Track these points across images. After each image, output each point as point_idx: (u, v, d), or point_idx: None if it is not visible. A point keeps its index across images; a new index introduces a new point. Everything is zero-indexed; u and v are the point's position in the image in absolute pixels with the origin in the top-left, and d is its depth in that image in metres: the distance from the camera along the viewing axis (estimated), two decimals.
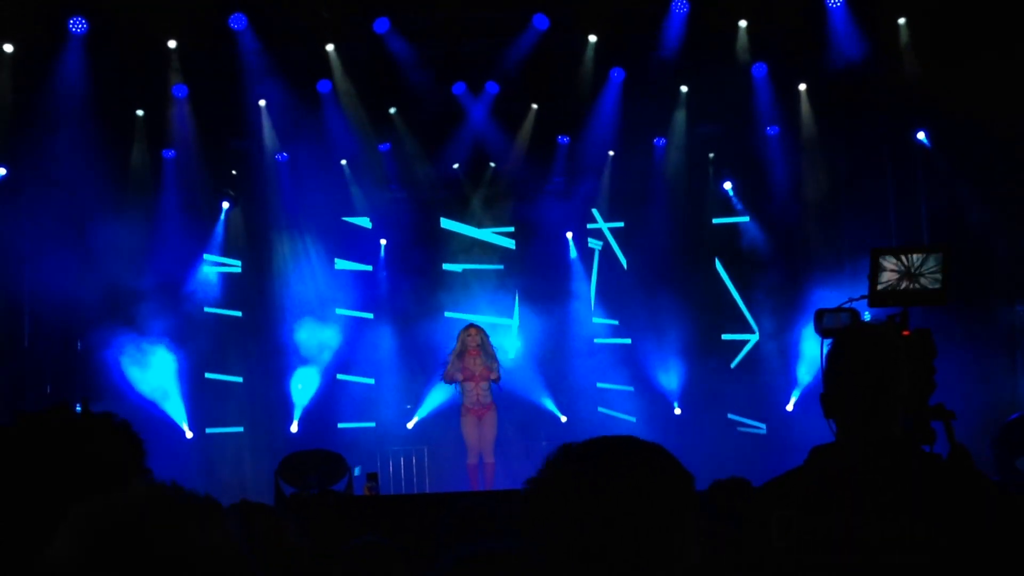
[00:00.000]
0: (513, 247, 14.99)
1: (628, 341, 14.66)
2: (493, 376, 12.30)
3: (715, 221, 14.70)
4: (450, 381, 12.48)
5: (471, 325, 12.57)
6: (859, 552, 2.82)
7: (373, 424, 14.30)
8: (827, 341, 4.11)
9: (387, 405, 14.37)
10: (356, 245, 14.70)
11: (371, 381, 14.53)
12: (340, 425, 14.20)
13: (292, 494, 7.88)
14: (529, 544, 1.75)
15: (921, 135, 12.99)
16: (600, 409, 14.54)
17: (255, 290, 14.36)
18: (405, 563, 3.50)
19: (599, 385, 14.60)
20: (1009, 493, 2.88)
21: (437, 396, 14.02)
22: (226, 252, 14.34)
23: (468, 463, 12.37)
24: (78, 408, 2.03)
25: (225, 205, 14.02)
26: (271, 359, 14.10)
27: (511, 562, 1.68)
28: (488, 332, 12.63)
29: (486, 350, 12.36)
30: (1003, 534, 2.78)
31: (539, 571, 1.71)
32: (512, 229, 15.03)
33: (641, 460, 1.76)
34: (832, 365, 3.05)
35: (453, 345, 12.54)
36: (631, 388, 14.53)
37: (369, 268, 14.76)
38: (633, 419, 14.33)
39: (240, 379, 14.07)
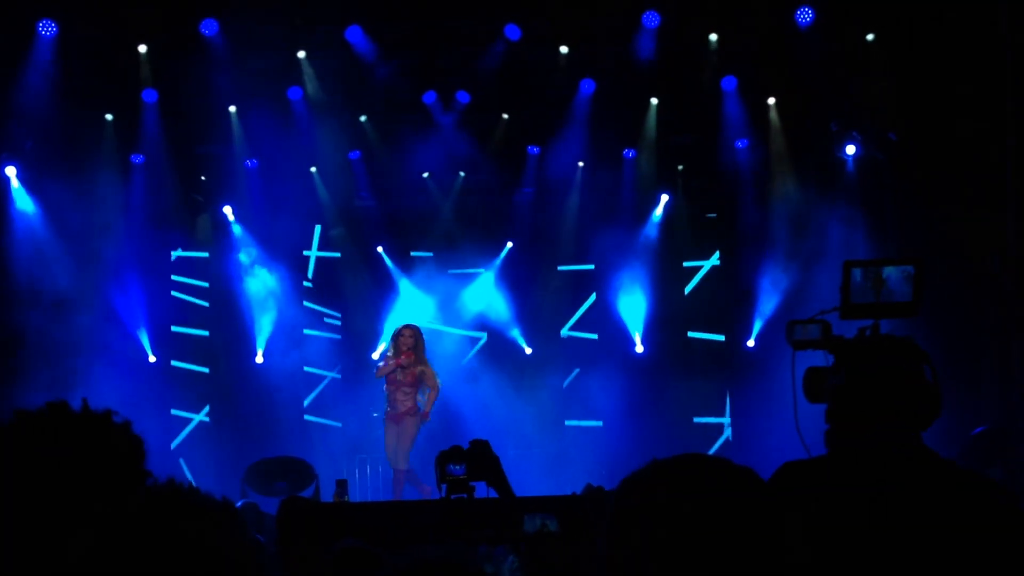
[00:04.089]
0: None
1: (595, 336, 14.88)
2: (428, 380, 12.08)
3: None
4: (382, 374, 12.25)
5: (405, 326, 12.32)
6: (885, 566, 2.83)
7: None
8: (799, 353, 4.17)
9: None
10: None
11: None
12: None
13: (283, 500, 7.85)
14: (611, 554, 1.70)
15: (889, 149, 13.11)
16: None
17: (221, 302, 14.33)
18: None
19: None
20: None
21: None
22: (194, 257, 14.37)
23: (397, 468, 12.03)
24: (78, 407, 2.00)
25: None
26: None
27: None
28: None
29: (419, 355, 12.10)
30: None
31: None
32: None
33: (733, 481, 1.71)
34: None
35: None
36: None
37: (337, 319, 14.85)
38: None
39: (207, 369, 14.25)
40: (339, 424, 14.49)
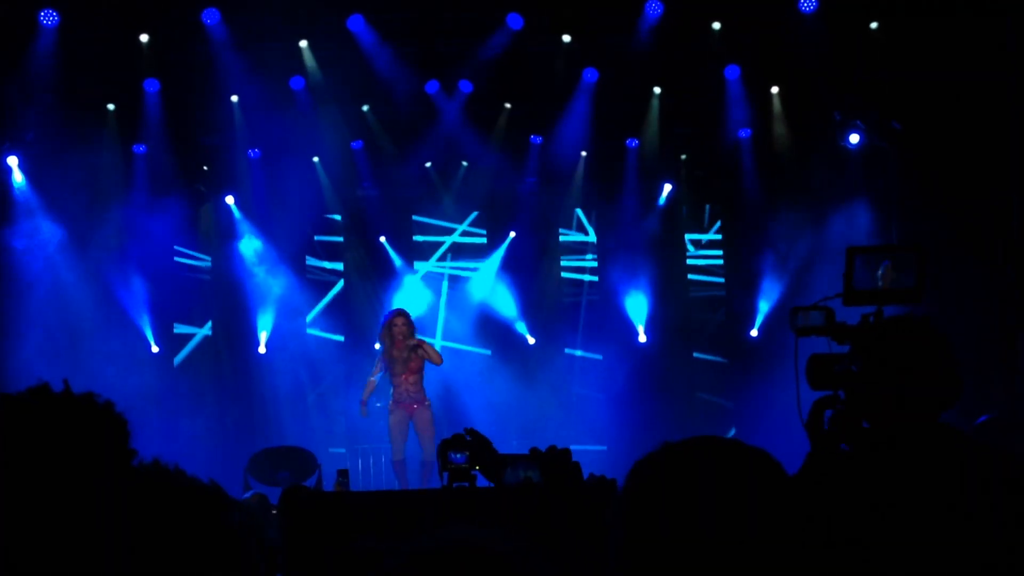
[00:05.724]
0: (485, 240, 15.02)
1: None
2: (431, 357, 11.60)
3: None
4: (369, 392, 11.82)
5: (397, 313, 11.76)
6: (924, 549, 2.82)
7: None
8: (800, 340, 4.15)
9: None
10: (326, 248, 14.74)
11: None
12: None
13: (285, 489, 7.86)
14: (618, 537, 1.69)
15: (893, 138, 13.09)
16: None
17: (224, 293, 14.30)
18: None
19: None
20: None
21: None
22: (197, 248, 14.36)
23: (394, 460, 11.85)
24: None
25: None
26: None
27: (476, 551, 1.61)
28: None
29: (411, 336, 11.56)
30: None
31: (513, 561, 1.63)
32: (484, 232, 15.07)
33: (745, 462, 1.70)
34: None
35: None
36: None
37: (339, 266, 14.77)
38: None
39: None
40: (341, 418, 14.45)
